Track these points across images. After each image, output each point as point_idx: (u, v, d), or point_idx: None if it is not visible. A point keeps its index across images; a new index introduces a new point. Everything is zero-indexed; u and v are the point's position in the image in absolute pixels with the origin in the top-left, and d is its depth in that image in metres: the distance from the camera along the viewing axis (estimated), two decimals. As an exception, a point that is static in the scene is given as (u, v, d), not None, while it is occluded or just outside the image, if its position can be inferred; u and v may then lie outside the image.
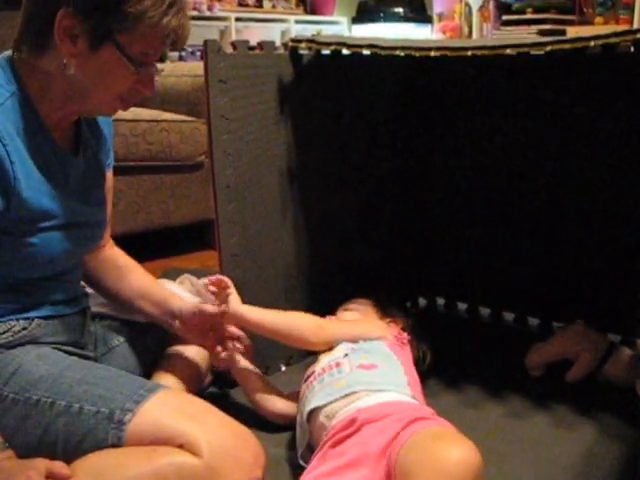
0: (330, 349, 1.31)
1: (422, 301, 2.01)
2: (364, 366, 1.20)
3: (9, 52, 1.11)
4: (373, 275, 1.82)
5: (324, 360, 1.27)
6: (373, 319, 1.44)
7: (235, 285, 1.45)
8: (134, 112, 2.41)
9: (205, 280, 1.62)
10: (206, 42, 1.36)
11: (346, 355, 1.25)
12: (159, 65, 1.13)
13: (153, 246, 2.56)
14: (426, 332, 1.51)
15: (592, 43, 1.11)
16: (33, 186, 1.08)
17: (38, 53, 1.08)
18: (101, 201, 1.27)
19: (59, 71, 1.07)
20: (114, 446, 1.03)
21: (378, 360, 1.22)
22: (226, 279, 1.33)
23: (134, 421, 1.04)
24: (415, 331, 1.46)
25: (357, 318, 1.45)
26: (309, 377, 1.26)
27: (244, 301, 1.46)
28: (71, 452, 1.03)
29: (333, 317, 1.46)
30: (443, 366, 1.55)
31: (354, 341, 1.31)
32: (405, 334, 1.39)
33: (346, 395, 1.14)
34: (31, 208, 1.08)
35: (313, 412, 1.17)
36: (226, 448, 1.03)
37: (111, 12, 1.02)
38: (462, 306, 1.96)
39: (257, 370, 1.38)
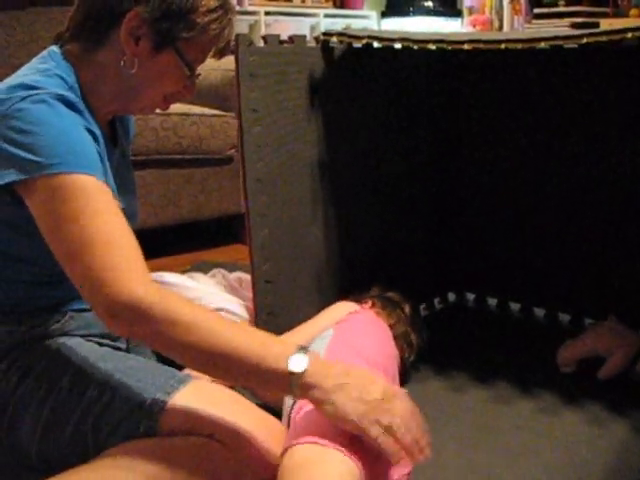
0: None
1: (452, 296, 2.00)
2: None
3: (54, 47, 1.13)
4: (403, 269, 1.81)
5: None
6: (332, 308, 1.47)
7: (265, 279, 1.46)
8: (165, 106, 2.43)
9: (237, 274, 1.64)
10: (237, 36, 1.36)
11: None
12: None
13: (183, 239, 2.58)
14: (452, 325, 1.50)
15: (629, 35, 1.09)
16: None
17: (95, 47, 1.11)
18: (133, 191, 1.30)
19: (113, 66, 1.10)
20: (145, 436, 1.04)
21: None
22: None
23: (165, 411, 1.05)
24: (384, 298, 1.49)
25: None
26: None
27: (274, 296, 1.47)
28: (103, 442, 1.04)
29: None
30: (473, 361, 1.55)
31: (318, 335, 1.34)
32: (366, 306, 1.43)
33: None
34: None
35: None
36: (256, 439, 1.04)
37: (180, 20, 1.08)
38: (492, 301, 1.95)
39: None
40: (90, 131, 1.06)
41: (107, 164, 1.12)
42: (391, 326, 1.43)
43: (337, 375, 0.96)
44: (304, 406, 1.05)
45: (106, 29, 1.09)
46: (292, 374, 0.93)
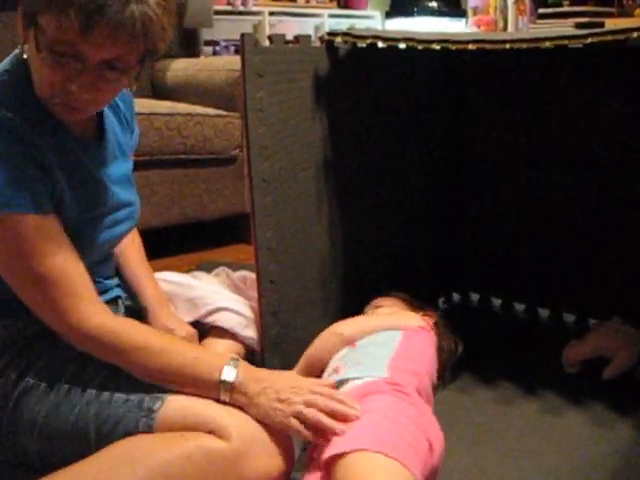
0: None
1: (456, 296, 2.00)
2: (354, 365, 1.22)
3: (17, 51, 1.08)
4: (408, 270, 1.81)
5: (330, 365, 1.29)
6: (403, 311, 1.45)
7: (270, 279, 1.46)
8: (169, 106, 2.43)
9: (242, 273, 1.63)
10: (243, 35, 1.36)
11: (343, 357, 1.27)
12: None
13: (187, 239, 2.58)
14: (456, 326, 1.50)
15: (635, 34, 1.09)
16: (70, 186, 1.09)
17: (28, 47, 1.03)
18: (130, 179, 1.27)
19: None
20: (144, 433, 1.04)
21: (369, 353, 1.24)
22: None
23: (163, 408, 1.05)
24: (445, 324, 1.47)
25: (386, 312, 1.46)
26: None
27: (279, 296, 1.47)
28: (103, 440, 1.04)
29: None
30: (478, 362, 1.54)
31: (371, 333, 1.32)
32: (430, 321, 1.39)
33: None
34: (67, 209, 1.09)
35: None
36: (255, 435, 1.05)
37: None
38: (496, 302, 1.95)
39: None
40: (28, 153, 1.00)
41: (62, 168, 1.07)
42: (439, 354, 1.39)
43: (260, 379, 1.08)
44: None
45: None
46: (222, 383, 1.06)
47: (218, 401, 1.07)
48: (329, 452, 0.99)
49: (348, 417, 1.03)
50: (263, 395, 1.06)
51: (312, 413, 1.03)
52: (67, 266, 1.04)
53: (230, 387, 1.06)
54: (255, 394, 1.06)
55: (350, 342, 1.31)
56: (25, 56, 1.03)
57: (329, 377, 1.23)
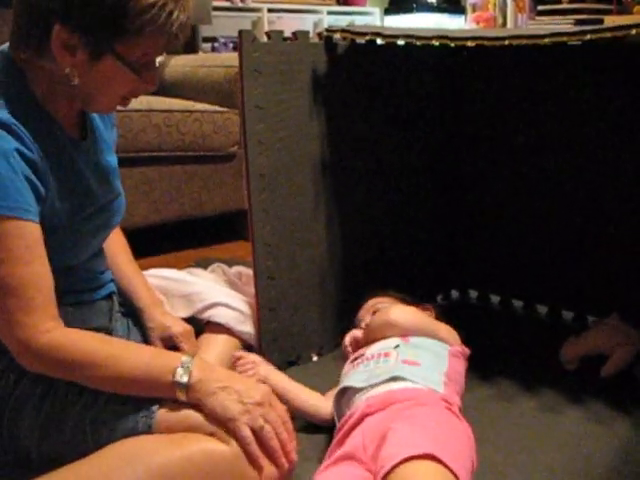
0: (384, 337, 1.32)
1: (455, 293, 2.00)
2: (408, 362, 1.21)
3: (5, 47, 1.07)
4: (405, 267, 1.81)
5: (376, 346, 1.29)
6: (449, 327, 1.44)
7: (268, 275, 1.46)
8: (168, 103, 2.42)
9: (237, 268, 1.63)
10: (241, 32, 1.36)
11: (397, 346, 1.26)
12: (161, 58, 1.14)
13: (185, 236, 2.58)
14: (455, 323, 1.49)
15: (634, 31, 1.09)
16: (61, 189, 1.08)
17: (38, 55, 1.04)
18: (116, 173, 1.26)
19: (60, 75, 1.04)
20: (144, 434, 1.04)
21: (424, 357, 1.24)
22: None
23: (163, 409, 1.06)
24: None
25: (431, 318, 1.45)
26: (357, 358, 1.29)
27: (276, 292, 1.46)
28: (103, 441, 1.04)
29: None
30: (476, 359, 1.54)
31: (420, 333, 1.31)
32: (467, 349, 1.39)
33: (377, 384, 1.17)
34: (59, 210, 1.08)
35: (347, 390, 1.20)
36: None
37: (110, 27, 1.00)
38: (495, 299, 1.94)
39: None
40: (22, 154, 1.00)
41: (55, 169, 1.07)
42: None
43: (219, 379, 1.06)
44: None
45: (40, 41, 1.01)
46: (177, 384, 1.04)
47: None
48: (401, 455, 0.96)
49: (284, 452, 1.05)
50: (223, 392, 1.04)
51: (269, 436, 1.04)
52: (35, 278, 1.01)
53: (185, 387, 1.04)
54: (211, 392, 1.04)
55: (399, 331, 1.31)
56: (75, 81, 1.04)
57: (378, 358, 1.24)
